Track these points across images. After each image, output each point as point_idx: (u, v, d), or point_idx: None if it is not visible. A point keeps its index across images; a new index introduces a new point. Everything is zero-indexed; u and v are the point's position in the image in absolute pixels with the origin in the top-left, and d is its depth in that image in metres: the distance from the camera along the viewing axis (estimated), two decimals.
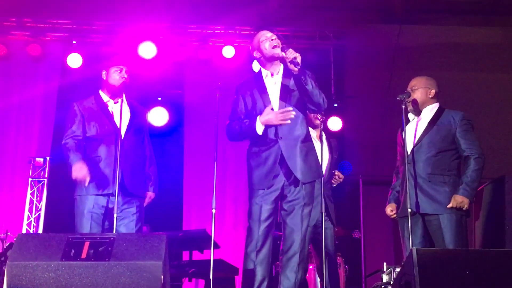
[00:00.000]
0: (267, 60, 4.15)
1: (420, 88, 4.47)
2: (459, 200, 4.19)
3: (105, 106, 4.48)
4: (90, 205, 4.29)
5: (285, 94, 4.09)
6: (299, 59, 3.93)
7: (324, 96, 4.06)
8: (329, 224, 5.15)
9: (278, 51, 4.06)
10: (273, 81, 4.16)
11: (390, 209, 4.61)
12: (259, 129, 3.99)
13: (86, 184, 4.24)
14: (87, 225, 4.26)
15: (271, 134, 4.02)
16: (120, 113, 4.36)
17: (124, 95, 4.54)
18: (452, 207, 4.19)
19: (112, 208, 4.24)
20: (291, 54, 3.94)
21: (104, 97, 4.51)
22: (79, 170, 4.23)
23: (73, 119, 4.46)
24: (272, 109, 3.99)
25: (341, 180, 5.30)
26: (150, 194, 4.61)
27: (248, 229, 3.99)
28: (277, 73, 4.17)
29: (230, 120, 4.22)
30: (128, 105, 4.57)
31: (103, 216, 4.30)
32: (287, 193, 4.01)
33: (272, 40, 4.10)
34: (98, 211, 4.29)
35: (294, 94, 4.07)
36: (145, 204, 4.56)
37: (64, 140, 4.41)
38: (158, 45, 8.31)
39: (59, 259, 3.18)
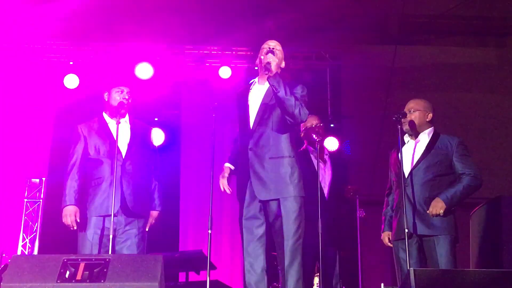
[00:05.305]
0: (260, 69, 4.09)
1: (418, 111, 4.45)
2: (437, 204, 4.17)
3: (107, 126, 4.50)
4: (91, 226, 4.30)
5: (265, 106, 4.01)
6: (272, 66, 3.82)
7: (303, 108, 3.85)
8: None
9: (263, 58, 3.97)
10: (258, 89, 4.12)
11: (387, 239, 4.54)
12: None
13: (73, 228, 4.29)
14: (88, 246, 4.26)
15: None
16: (117, 132, 4.36)
17: (128, 115, 4.59)
18: (433, 214, 4.18)
19: (114, 230, 4.25)
20: (266, 59, 3.86)
21: (107, 118, 4.54)
22: (68, 216, 4.28)
23: (77, 141, 4.49)
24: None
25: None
26: (153, 213, 4.58)
27: None
28: (265, 83, 4.09)
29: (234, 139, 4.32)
30: (131, 124, 4.59)
31: (104, 238, 4.28)
32: None
33: (268, 49, 3.99)
34: (99, 232, 4.29)
35: (276, 109, 3.98)
36: (148, 225, 4.53)
37: (69, 176, 4.39)
38: (155, 66, 8.35)
39: (54, 280, 3.16)
